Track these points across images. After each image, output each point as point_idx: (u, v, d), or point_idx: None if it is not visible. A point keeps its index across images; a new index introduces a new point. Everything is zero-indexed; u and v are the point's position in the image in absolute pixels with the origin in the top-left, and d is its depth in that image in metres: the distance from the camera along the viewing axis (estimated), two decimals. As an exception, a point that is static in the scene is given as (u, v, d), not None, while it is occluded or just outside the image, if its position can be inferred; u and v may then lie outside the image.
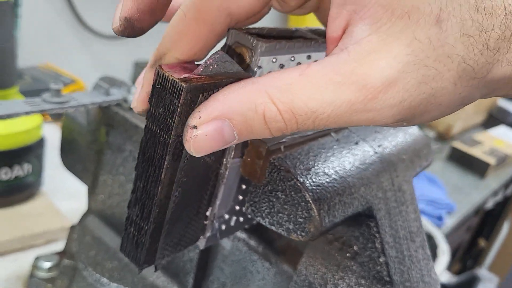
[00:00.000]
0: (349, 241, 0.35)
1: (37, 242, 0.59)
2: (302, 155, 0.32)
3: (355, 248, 0.35)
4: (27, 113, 0.41)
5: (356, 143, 0.35)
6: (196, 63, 0.27)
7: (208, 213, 0.32)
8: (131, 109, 0.48)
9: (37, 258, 0.53)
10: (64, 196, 0.68)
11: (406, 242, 0.37)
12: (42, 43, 1.14)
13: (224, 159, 0.30)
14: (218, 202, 0.32)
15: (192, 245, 0.33)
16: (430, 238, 0.97)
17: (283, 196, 0.30)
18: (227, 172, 0.31)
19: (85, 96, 0.47)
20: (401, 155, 0.38)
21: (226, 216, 0.34)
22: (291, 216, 0.30)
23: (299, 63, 0.30)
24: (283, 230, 0.31)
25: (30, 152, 0.61)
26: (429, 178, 1.41)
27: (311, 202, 0.29)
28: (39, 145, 0.63)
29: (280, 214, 0.31)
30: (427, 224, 1.04)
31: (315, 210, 0.29)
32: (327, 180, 0.31)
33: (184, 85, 0.24)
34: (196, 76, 0.25)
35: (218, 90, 0.25)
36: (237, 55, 0.28)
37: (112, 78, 0.54)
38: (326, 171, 0.31)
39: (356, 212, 0.32)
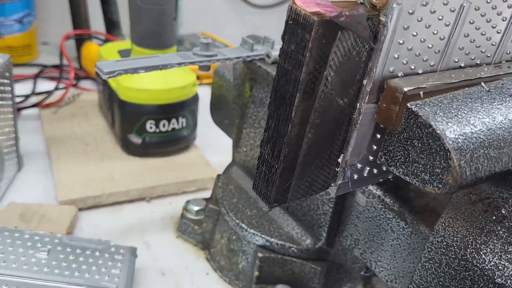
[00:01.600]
0: (496, 203, 0.32)
1: (189, 189, 0.64)
2: (444, 102, 0.29)
3: (503, 211, 0.31)
4: (179, 64, 0.44)
5: (510, 96, 0.32)
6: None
7: (340, 160, 0.32)
8: (273, 63, 0.49)
9: (188, 202, 0.58)
10: (213, 150, 0.73)
11: None
12: (200, 12, 1.22)
13: (358, 103, 0.30)
14: (350, 149, 0.31)
15: (323, 191, 0.33)
16: None
17: (420, 145, 0.28)
18: (360, 117, 0.30)
19: (231, 51, 0.49)
20: None
21: (359, 166, 0.33)
22: (428, 166, 0.28)
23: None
24: (418, 181, 0.29)
25: (186, 106, 0.67)
26: None
27: (450, 150, 0.27)
28: (194, 101, 0.68)
29: (415, 164, 0.29)
30: None
31: (454, 160, 0.27)
32: (472, 130, 0.28)
33: (316, 19, 0.24)
34: (328, 11, 0.24)
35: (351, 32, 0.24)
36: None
37: (257, 36, 0.55)
38: (472, 121, 0.28)
39: (506, 169, 0.29)
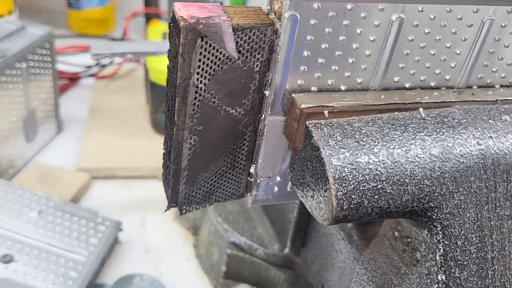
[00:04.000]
0: (413, 244, 0.29)
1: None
2: (352, 126, 0.27)
3: (417, 255, 0.28)
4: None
5: (452, 128, 0.28)
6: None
7: (251, 170, 0.30)
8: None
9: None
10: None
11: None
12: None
13: (262, 115, 0.28)
14: (260, 161, 0.30)
15: (235, 199, 0.32)
16: None
17: (311, 167, 0.26)
18: (266, 129, 0.28)
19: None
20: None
21: (278, 179, 0.31)
22: (315, 191, 0.26)
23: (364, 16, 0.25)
24: (309, 206, 0.27)
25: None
26: None
27: (329, 178, 0.24)
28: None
29: (307, 187, 0.27)
30: None
31: (332, 189, 0.24)
32: (369, 160, 0.25)
33: (182, 24, 0.23)
34: (196, 17, 0.23)
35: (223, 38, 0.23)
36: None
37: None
38: (376, 150, 0.26)
39: (407, 209, 0.26)
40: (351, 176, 0.25)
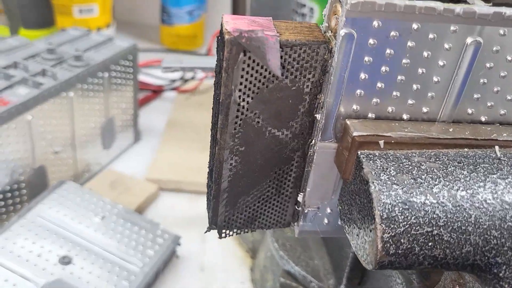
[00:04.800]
0: (476, 302, 0.25)
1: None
2: (410, 159, 0.24)
3: (481, 315, 0.24)
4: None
5: (535, 171, 0.24)
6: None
7: (299, 199, 0.28)
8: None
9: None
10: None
11: None
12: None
13: (312, 140, 0.26)
14: (308, 189, 0.27)
15: (282, 228, 0.30)
16: None
17: (359, 203, 0.24)
18: (315, 156, 0.26)
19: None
20: None
21: (328, 210, 0.29)
22: (361, 230, 0.23)
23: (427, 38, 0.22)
24: (353, 245, 0.24)
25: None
26: None
27: (375, 217, 0.22)
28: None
29: (354, 224, 0.24)
30: None
31: (378, 230, 0.21)
32: (426, 200, 0.22)
33: (227, 37, 0.22)
34: (243, 31, 0.22)
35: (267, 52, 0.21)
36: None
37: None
38: (436, 190, 0.22)
39: (467, 262, 0.22)
40: (402, 217, 0.22)
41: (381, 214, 0.22)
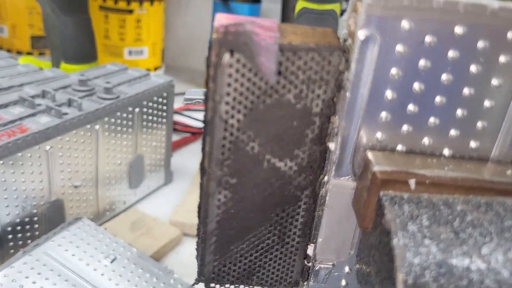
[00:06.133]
0: None
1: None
2: (450, 206, 0.18)
3: None
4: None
5: None
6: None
7: (309, 252, 0.22)
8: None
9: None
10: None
11: None
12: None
13: (325, 175, 0.20)
14: (320, 240, 0.22)
15: (287, 287, 0.24)
16: None
17: (378, 260, 0.18)
18: (328, 197, 0.20)
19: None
20: None
21: (347, 269, 0.23)
22: (379, 297, 0.17)
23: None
24: (370, 317, 0.18)
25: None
26: None
27: (399, 284, 0.16)
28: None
29: (369, 285, 0.18)
30: None
31: (399, 301, 0.15)
32: (472, 264, 0.16)
33: (215, 37, 0.17)
34: (233, 24, 0.17)
35: (259, 54, 0.17)
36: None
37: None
38: (485, 250, 0.16)
39: None
40: (436, 284, 0.16)
41: (405, 280, 0.16)
